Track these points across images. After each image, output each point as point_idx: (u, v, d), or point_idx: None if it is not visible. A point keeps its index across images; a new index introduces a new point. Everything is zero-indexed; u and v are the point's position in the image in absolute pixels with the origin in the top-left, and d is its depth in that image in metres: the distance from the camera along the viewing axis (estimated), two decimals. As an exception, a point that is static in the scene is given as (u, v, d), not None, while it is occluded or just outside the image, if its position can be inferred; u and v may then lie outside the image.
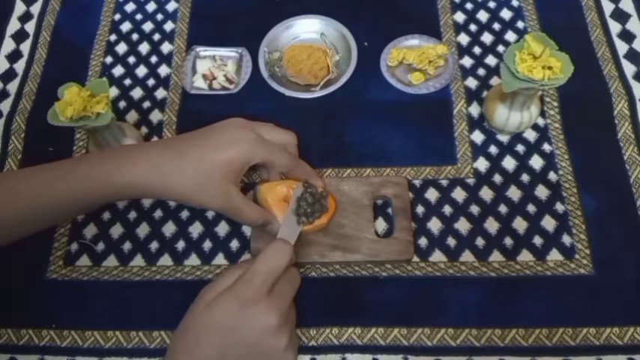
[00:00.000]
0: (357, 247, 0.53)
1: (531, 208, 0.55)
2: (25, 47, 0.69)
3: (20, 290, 0.55)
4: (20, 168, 0.61)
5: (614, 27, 0.65)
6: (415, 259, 0.54)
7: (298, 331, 0.51)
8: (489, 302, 0.52)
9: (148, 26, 0.70)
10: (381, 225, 0.56)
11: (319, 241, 0.53)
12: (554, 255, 0.53)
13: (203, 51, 0.67)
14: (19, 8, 0.72)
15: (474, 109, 0.61)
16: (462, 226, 0.55)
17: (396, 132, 0.60)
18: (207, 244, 0.56)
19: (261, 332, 0.43)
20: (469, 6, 0.67)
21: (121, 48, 0.68)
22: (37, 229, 0.49)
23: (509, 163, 0.58)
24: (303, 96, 0.63)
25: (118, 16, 0.71)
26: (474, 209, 0.56)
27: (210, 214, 0.57)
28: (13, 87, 0.66)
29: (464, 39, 0.65)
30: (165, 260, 0.56)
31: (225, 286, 0.45)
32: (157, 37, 0.69)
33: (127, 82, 0.66)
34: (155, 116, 0.63)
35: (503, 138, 0.59)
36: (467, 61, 0.64)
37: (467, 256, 0.54)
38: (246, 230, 0.56)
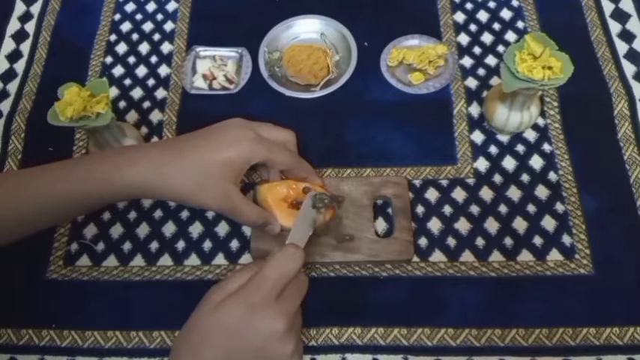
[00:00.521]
0: (357, 247, 0.53)
1: (531, 208, 0.55)
2: (25, 47, 0.69)
3: (20, 290, 0.55)
4: (20, 168, 0.61)
5: (614, 27, 0.65)
6: (415, 259, 0.54)
7: (298, 331, 0.51)
8: (489, 302, 0.52)
9: (148, 26, 0.70)
10: (381, 225, 0.56)
11: (319, 241, 0.53)
12: (554, 255, 0.53)
13: (203, 51, 0.67)
14: (19, 8, 0.73)
15: (474, 109, 0.61)
16: (462, 226, 0.55)
17: (396, 132, 0.60)
18: (207, 244, 0.56)
19: (267, 337, 0.42)
20: (469, 6, 0.67)
21: (121, 48, 0.68)
22: (38, 230, 0.49)
23: (509, 163, 0.58)
24: (303, 96, 0.63)
25: (118, 16, 0.71)
26: (474, 209, 0.56)
27: (210, 214, 0.57)
28: (13, 87, 0.66)
29: (464, 39, 0.65)
30: (165, 260, 0.56)
31: (234, 289, 0.44)
32: (156, 37, 0.69)
33: (127, 82, 0.66)
34: (155, 116, 0.63)
35: (503, 138, 0.59)
36: (467, 61, 0.64)
37: (467, 256, 0.54)
38: (246, 230, 0.56)
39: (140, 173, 0.46)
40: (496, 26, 0.66)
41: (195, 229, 0.57)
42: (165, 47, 0.68)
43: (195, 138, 0.49)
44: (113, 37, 0.69)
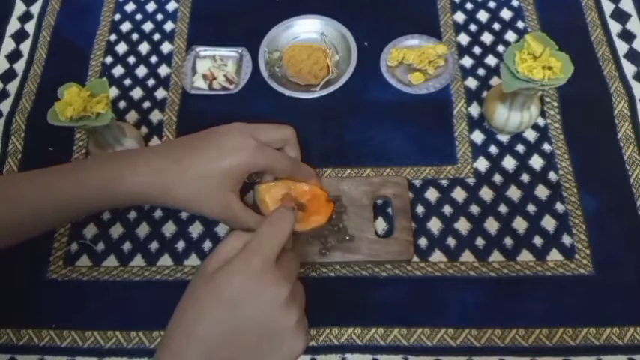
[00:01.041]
0: (357, 247, 0.53)
1: (531, 208, 0.55)
2: (25, 47, 0.69)
3: (20, 290, 0.55)
4: (20, 168, 0.61)
5: (614, 27, 0.65)
6: (415, 259, 0.54)
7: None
8: (489, 302, 0.52)
9: (148, 26, 0.70)
10: (381, 225, 0.56)
11: (319, 241, 0.53)
12: (554, 255, 0.53)
13: (203, 51, 0.67)
14: (19, 8, 0.73)
15: (474, 109, 0.61)
16: (462, 226, 0.55)
17: (396, 132, 0.60)
18: (207, 244, 0.56)
19: (269, 305, 0.39)
20: (469, 6, 0.67)
21: (121, 48, 0.68)
22: (37, 233, 0.49)
23: (509, 163, 0.58)
24: (303, 96, 0.63)
25: (118, 16, 0.71)
26: (474, 209, 0.56)
27: (210, 214, 0.57)
28: (13, 87, 0.66)
29: (464, 39, 0.65)
30: (165, 260, 0.56)
31: (226, 257, 0.40)
32: (157, 37, 0.69)
33: (127, 82, 0.66)
34: (155, 116, 0.63)
35: (503, 138, 0.59)
36: (467, 61, 0.64)
37: (467, 256, 0.54)
38: (246, 230, 0.56)
39: (140, 181, 0.46)
40: (496, 26, 0.66)
41: (195, 229, 0.57)
42: (165, 47, 0.68)
43: (195, 144, 0.49)
44: (113, 37, 0.69)
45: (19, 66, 0.68)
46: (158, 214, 0.58)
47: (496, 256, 0.54)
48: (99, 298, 0.54)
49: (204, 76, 0.65)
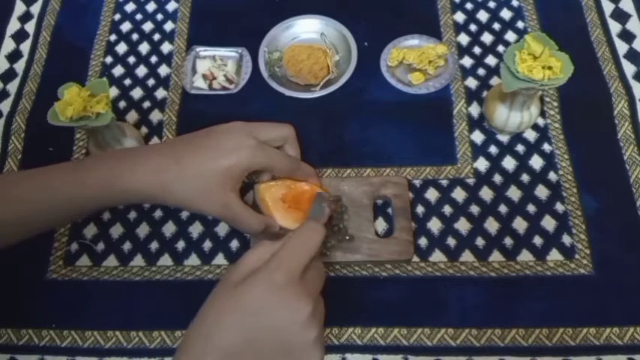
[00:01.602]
0: (357, 247, 0.53)
1: (531, 208, 0.55)
2: (25, 47, 0.69)
3: (20, 290, 0.55)
4: (20, 168, 0.61)
5: (614, 27, 0.65)
6: (415, 259, 0.54)
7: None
8: (489, 302, 0.52)
9: (148, 26, 0.70)
10: (381, 225, 0.56)
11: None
12: (554, 255, 0.53)
13: (203, 51, 0.67)
14: (19, 8, 0.72)
15: (474, 109, 0.61)
16: (462, 226, 0.55)
17: (396, 132, 0.60)
18: (207, 244, 0.56)
19: (289, 320, 0.39)
20: (469, 6, 0.67)
21: (121, 48, 0.68)
22: (37, 232, 0.49)
23: (509, 163, 0.58)
24: (303, 96, 0.63)
25: (118, 16, 0.71)
26: (474, 209, 0.56)
27: (210, 214, 0.57)
28: (13, 87, 0.66)
29: (464, 39, 0.65)
30: (165, 260, 0.56)
31: (252, 268, 0.40)
32: (157, 37, 0.69)
33: (127, 82, 0.66)
34: (155, 116, 0.63)
35: (503, 138, 0.59)
36: (467, 61, 0.64)
37: (467, 256, 0.54)
38: (246, 230, 0.56)
39: (140, 180, 0.46)
40: (496, 26, 0.66)
41: (195, 229, 0.57)
42: (165, 47, 0.68)
43: (195, 143, 0.49)
44: (113, 37, 0.69)
45: (19, 66, 0.68)
46: (158, 214, 0.58)
47: (496, 256, 0.54)
48: (99, 298, 0.54)
49: (204, 76, 0.65)
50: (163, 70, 0.66)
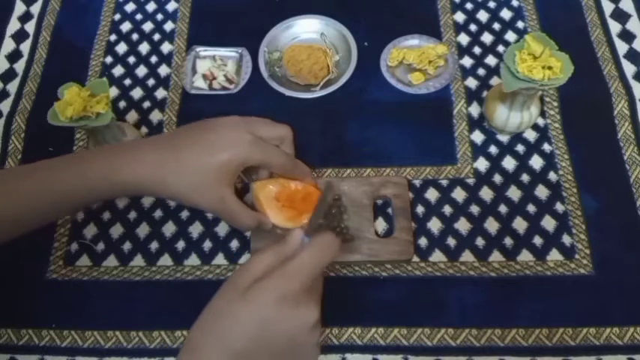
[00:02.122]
0: (357, 247, 0.53)
1: (531, 208, 0.55)
2: (25, 47, 0.69)
3: (20, 290, 0.55)
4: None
5: (614, 27, 0.65)
6: (415, 259, 0.54)
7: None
8: (489, 302, 0.52)
9: (148, 26, 0.70)
10: (381, 225, 0.56)
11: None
12: (554, 255, 0.53)
13: (203, 51, 0.67)
14: (19, 8, 0.72)
15: (474, 109, 0.61)
16: (462, 226, 0.55)
17: (396, 132, 0.60)
18: (207, 244, 0.56)
19: (300, 327, 0.41)
20: (469, 6, 0.67)
21: (121, 48, 0.68)
22: (36, 227, 0.49)
23: (509, 163, 0.58)
24: (303, 96, 0.63)
25: (118, 16, 0.71)
26: (474, 209, 0.56)
27: (210, 214, 0.57)
28: (13, 87, 0.66)
29: (464, 39, 0.65)
30: (165, 260, 0.56)
31: (261, 273, 0.41)
32: (157, 37, 0.69)
33: (127, 82, 0.66)
34: (155, 116, 0.63)
35: (503, 138, 0.59)
36: (467, 61, 0.64)
37: (467, 256, 0.54)
38: (246, 230, 0.56)
39: (138, 173, 0.47)
40: (496, 26, 0.66)
41: (195, 229, 0.57)
42: (165, 47, 0.68)
43: (193, 137, 0.49)
44: (113, 37, 0.69)
45: (19, 66, 0.68)
46: (158, 214, 0.58)
47: (496, 256, 0.54)
48: (99, 298, 0.54)
49: (204, 76, 0.65)
50: (163, 70, 0.66)
